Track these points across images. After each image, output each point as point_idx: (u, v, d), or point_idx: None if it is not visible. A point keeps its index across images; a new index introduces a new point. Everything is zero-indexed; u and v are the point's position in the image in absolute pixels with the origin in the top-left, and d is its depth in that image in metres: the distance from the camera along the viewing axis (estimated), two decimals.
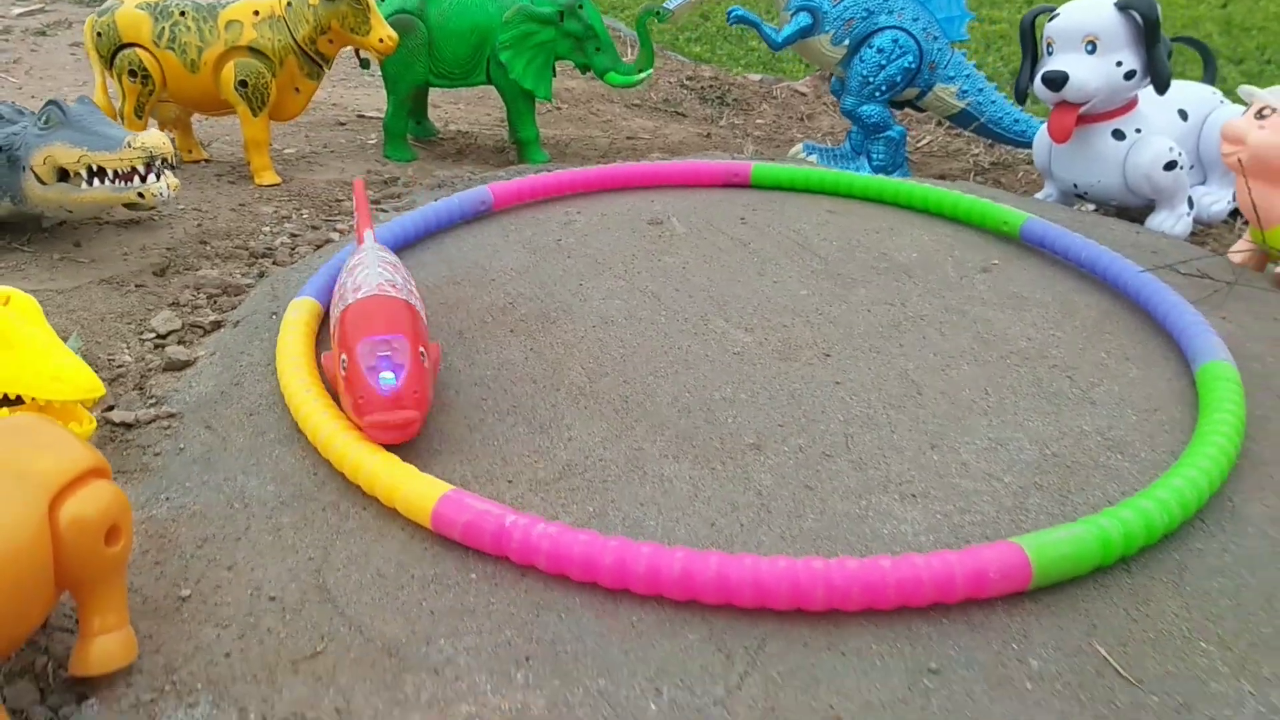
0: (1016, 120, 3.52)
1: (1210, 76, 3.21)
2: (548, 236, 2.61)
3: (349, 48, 3.12)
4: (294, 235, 2.77)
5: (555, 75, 3.60)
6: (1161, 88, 2.78)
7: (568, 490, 1.60)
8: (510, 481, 1.63)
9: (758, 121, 4.49)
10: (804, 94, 5.06)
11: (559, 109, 4.38)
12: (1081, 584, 1.40)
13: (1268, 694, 1.23)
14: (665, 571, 1.33)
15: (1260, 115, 2.36)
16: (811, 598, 1.32)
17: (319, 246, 2.68)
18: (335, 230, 2.82)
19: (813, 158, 3.57)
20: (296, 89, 3.14)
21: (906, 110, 3.96)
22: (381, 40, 3.05)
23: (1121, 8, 2.74)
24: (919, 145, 4.15)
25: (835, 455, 1.71)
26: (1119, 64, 2.75)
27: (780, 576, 1.32)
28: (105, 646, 1.20)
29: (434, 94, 4.37)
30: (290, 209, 2.98)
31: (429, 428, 1.75)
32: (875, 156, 3.47)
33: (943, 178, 3.73)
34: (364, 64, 3.60)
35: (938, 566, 1.34)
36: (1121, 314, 2.24)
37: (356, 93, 4.41)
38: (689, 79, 5.03)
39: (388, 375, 1.60)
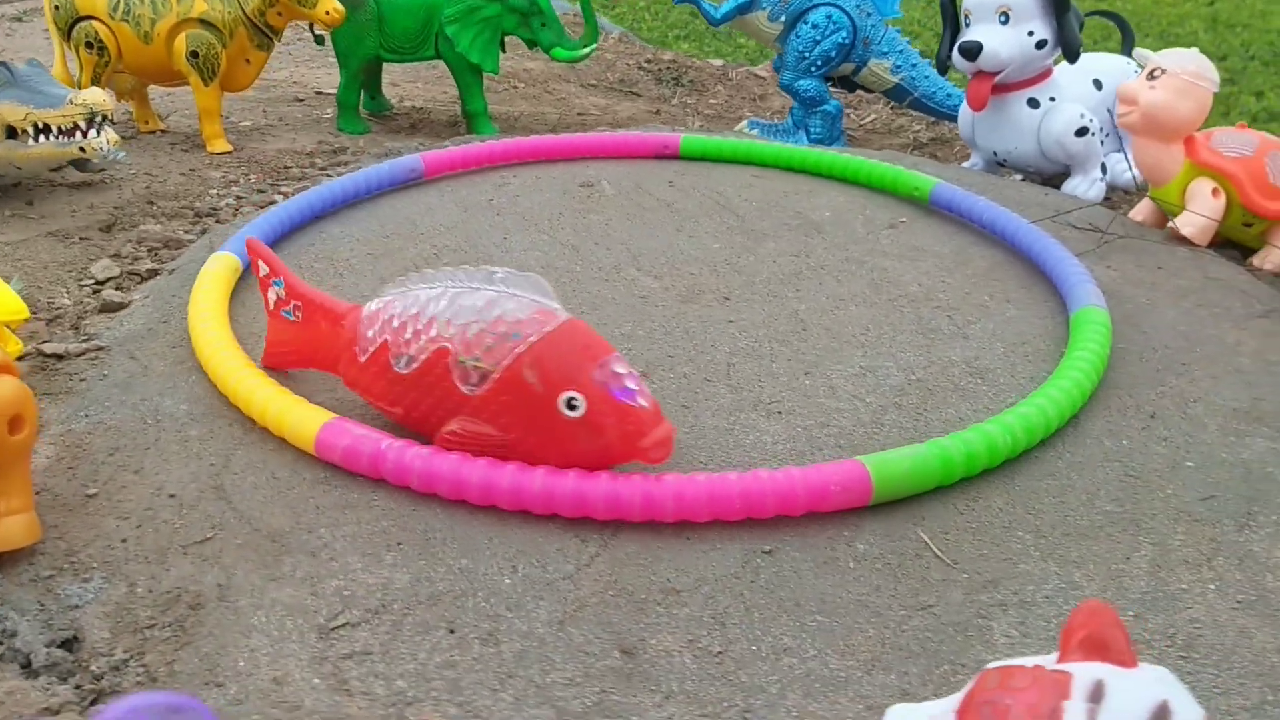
0: (949, 95, 3.65)
1: (1128, 48, 3.34)
2: (480, 197, 2.73)
3: (300, 21, 3.24)
4: (239, 197, 2.89)
5: (505, 50, 3.72)
6: (1071, 56, 2.90)
7: None
8: None
9: (710, 101, 4.61)
10: (762, 77, 5.18)
11: (515, 88, 4.50)
12: None
13: (1071, 573, 1.36)
14: (526, 489, 1.40)
15: (1151, 76, 2.48)
16: (662, 510, 1.39)
17: (263, 207, 2.80)
18: (280, 193, 2.94)
19: (754, 132, 3.69)
20: (247, 60, 3.26)
21: (859, 92, 4.09)
22: (328, 13, 3.17)
23: None
24: (863, 122, 4.28)
25: (715, 381, 1.83)
26: (1030, 33, 2.87)
27: (634, 491, 1.38)
28: (9, 527, 1.32)
29: (395, 72, 4.50)
30: (239, 174, 3.09)
31: None
32: (813, 130, 3.60)
33: (880, 151, 3.86)
34: (318, 39, 3.72)
35: (781, 481, 1.41)
36: (1013, 264, 2.36)
37: (318, 72, 4.52)
38: (648, 61, 5.15)
39: (635, 393, 1.44)
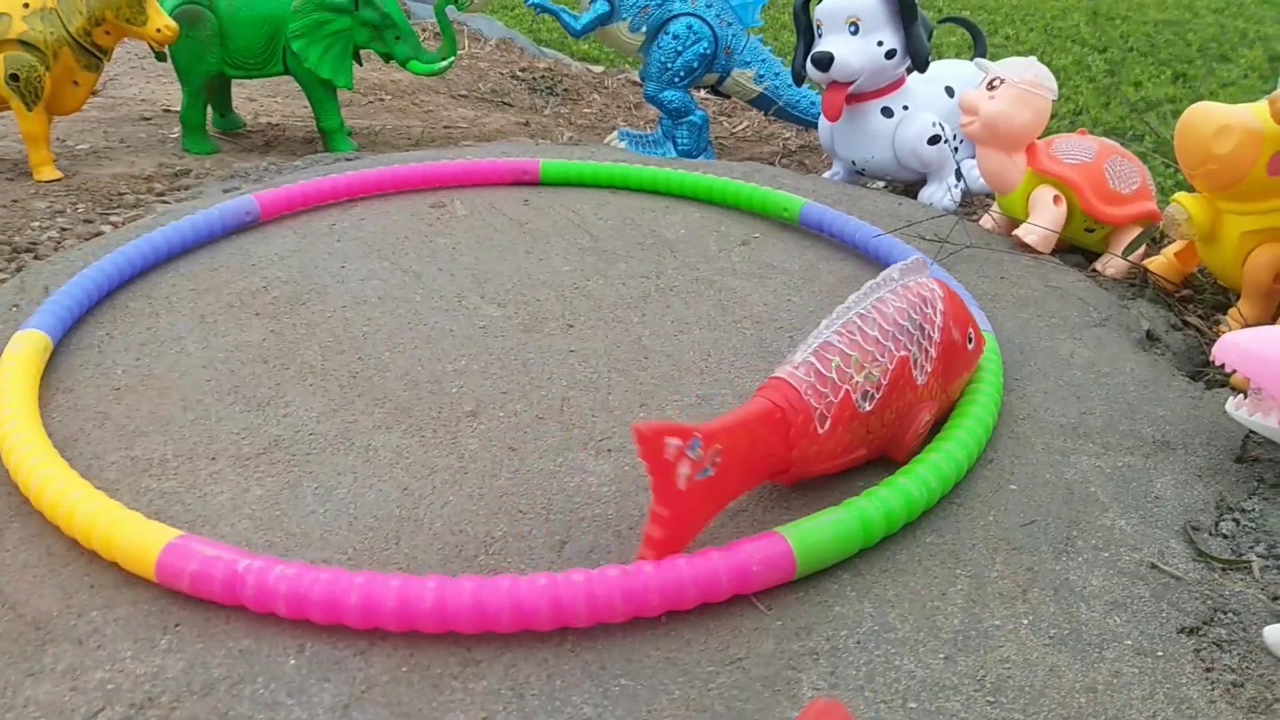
0: (814, 103, 3.65)
1: (980, 53, 3.38)
2: (321, 221, 2.61)
3: (132, 39, 3.06)
4: (64, 229, 2.70)
5: (360, 63, 3.59)
6: (920, 66, 2.92)
7: (268, 464, 1.61)
8: (212, 458, 1.63)
9: (584, 111, 4.55)
10: (639, 85, 5.13)
11: (381, 100, 4.36)
12: None
13: (886, 614, 1.32)
14: (453, 605, 1.23)
15: (991, 86, 2.51)
16: (574, 615, 1.24)
17: (89, 239, 2.62)
18: (109, 223, 2.76)
19: (623, 144, 3.64)
20: (75, 82, 3.05)
21: (735, 100, 4.06)
22: (159, 30, 3.00)
23: None
24: (734, 130, 4.27)
25: (547, 418, 1.76)
26: (880, 43, 2.88)
27: (539, 595, 1.23)
28: None
29: (251, 85, 4.31)
30: (66, 203, 2.90)
31: (141, 408, 1.75)
32: (680, 141, 3.56)
33: (751, 160, 3.85)
34: (158, 56, 3.52)
35: (701, 568, 1.29)
36: (862, 277, 2.34)
37: (170, 88, 4.30)
38: (523, 70, 5.05)
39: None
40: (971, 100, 2.51)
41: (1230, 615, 1.32)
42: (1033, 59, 2.52)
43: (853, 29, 2.89)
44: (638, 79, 5.21)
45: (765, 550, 1.33)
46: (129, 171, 3.22)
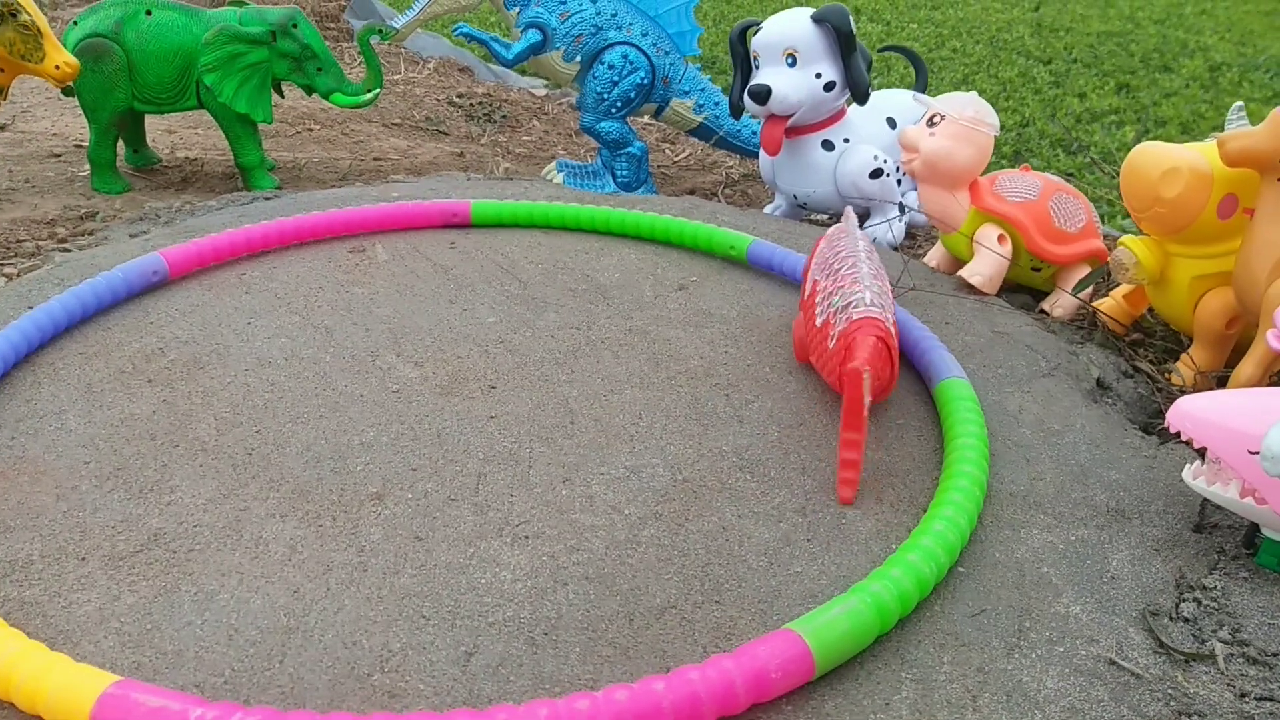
0: (755, 133, 3.55)
1: (922, 84, 3.31)
2: (230, 270, 2.44)
3: (29, 77, 2.87)
4: None
5: (283, 95, 3.42)
6: (860, 98, 2.83)
7: (144, 564, 1.45)
8: (82, 559, 1.46)
9: (523, 139, 4.41)
10: None
11: (309, 130, 4.19)
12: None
13: None
14: None
15: (931, 122, 2.42)
16: None
17: None
18: (2, 274, 2.57)
19: (560, 175, 3.51)
20: None
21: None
22: (59, 67, 2.82)
23: (817, 20, 2.78)
24: (676, 159, 4.16)
25: (460, 499, 1.62)
26: (818, 75, 2.78)
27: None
28: None
29: (171, 117, 4.12)
30: None
31: (9, 498, 1.57)
32: (620, 173, 3.44)
33: (693, 192, 3.74)
34: (65, 91, 3.33)
35: (715, 678, 1.18)
36: None
37: (80, 119, 4.09)
38: (460, 95, 4.91)
39: None
40: (912, 137, 2.42)
41: (1196, 719, 1.21)
42: (974, 94, 2.43)
43: (790, 61, 2.79)
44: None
45: (782, 652, 1.21)
46: (30, 215, 3.02)
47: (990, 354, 2.12)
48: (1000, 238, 2.39)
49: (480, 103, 4.81)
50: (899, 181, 2.97)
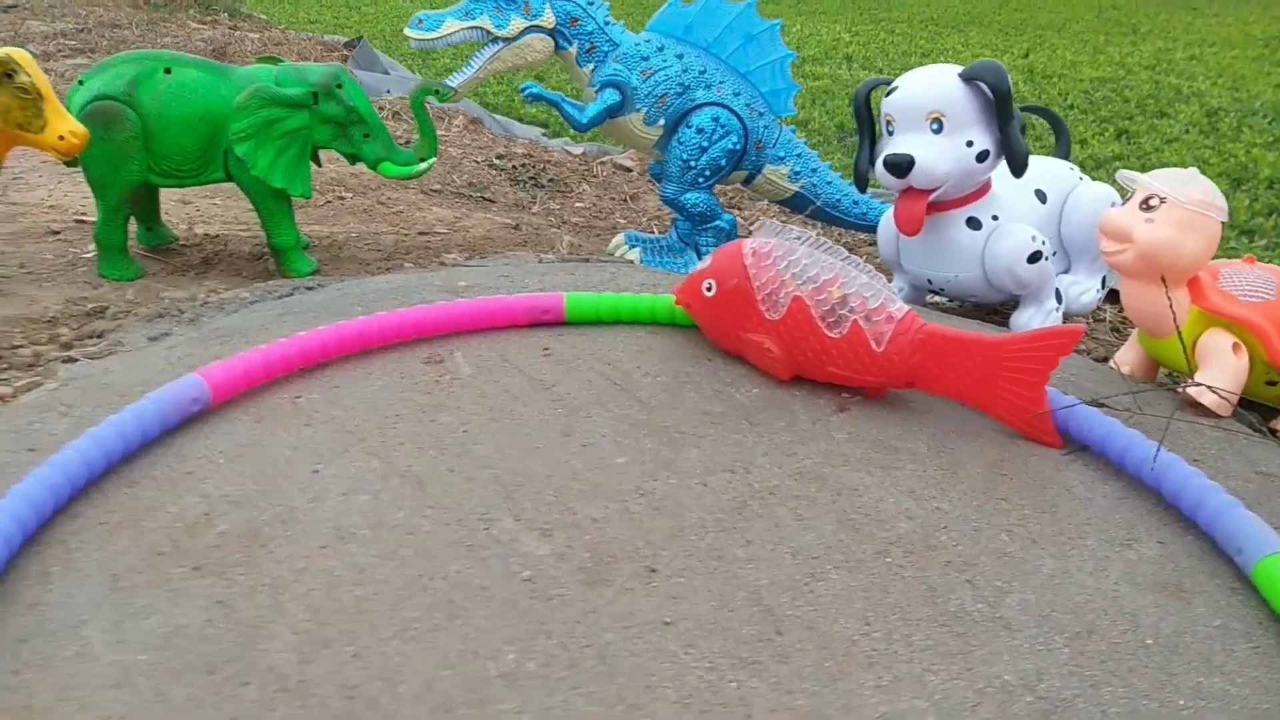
0: (856, 202, 3.13)
1: (1064, 149, 2.90)
2: (282, 391, 1.96)
3: (28, 149, 2.41)
4: None
5: (320, 164, 2.98)
6: (1019, 170, 2.41)
7: None
8: None
9: (576, 205, 3.98)
10: (628, 169, 4.60)
11: (341, 199, 3.73)
12: None
13: None
14: None
15: (1147, 206, 1.98)
16: None
17: None
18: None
19: (635, 252, 3.06)
20: None
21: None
22: (63, 138, 2.36)
23: (967, 79, 2.36)
24: (750, 226, 3.72)
25: None
26: (970, 144, 2.36)
27: None
28: None
29: (184, 189, 3.65)
30: None
31: None
32: (705, 249, 3.00)
33: None
34: (70, 161, 2.86)
35: None
36: (1014, 463, 1.78)
37: (83, 188, 3.62)
38: (499, 157, 4.48)
39: None
40: (1123, 224, 1.99)
41: None
42: (1194, 170, 2.00)
43: (935, 126, 2.37)
44: (625, 162, 4.68)
45: None
46: (27, 312, 2.54)
47: (1269, 506, 1.66)
48: (1235, 346, 1.95)
49: (523, 165, 4.38)
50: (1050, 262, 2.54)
